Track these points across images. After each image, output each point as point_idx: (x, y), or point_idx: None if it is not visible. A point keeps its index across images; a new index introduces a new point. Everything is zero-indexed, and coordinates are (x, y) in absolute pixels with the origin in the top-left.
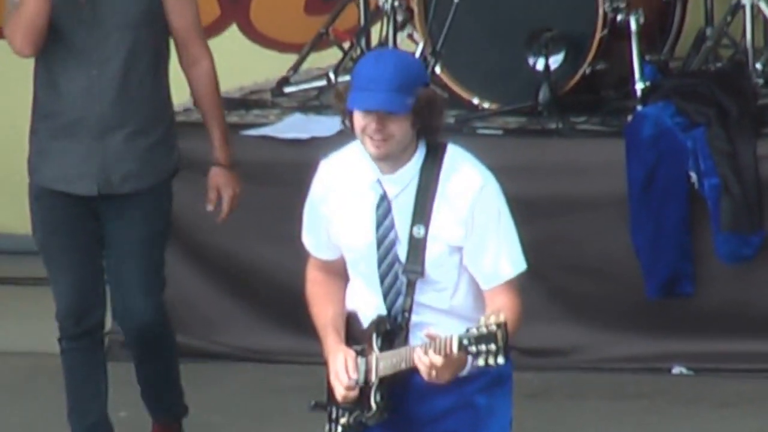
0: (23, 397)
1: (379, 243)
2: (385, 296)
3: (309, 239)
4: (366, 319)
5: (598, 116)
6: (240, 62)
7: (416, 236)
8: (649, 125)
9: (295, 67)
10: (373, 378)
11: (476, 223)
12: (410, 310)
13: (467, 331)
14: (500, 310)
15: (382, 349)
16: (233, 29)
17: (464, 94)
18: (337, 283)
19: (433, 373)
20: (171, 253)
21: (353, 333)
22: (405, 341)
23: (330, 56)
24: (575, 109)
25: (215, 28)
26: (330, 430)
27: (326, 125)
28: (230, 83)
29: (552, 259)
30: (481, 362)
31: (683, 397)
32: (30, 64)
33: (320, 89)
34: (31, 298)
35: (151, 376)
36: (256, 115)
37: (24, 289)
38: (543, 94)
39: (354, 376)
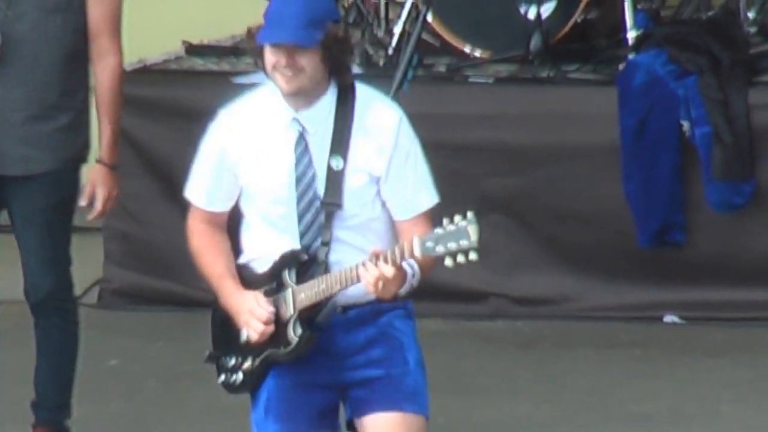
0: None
1: (299, 180)
2: (303, 234)
3: (201, 192)
4: (268, 263)
5: (589, 65)
6: (231, 11)
7: (335, 168)
8: (640, 74)
9: None
10: (291, 311)
11: (396, 154)
12: (329, 244)
13: (427, 234)
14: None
15: (297, 283)
16: None
17: (455, 43)
18: (223, 235)
19: (380, 285)
20: (161, 199)
21: (247, 283)
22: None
23: None
24: (567, 58)
25: None
26: (227, 379)
27: None
28: (222, 32)
29: (543, 208)
30: (449, 262)
31: (675, 346)
32: None
33: None
34: None
35: (52, 360)
36: (247, 63)
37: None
38: (534, 42)
39: (271, 308)
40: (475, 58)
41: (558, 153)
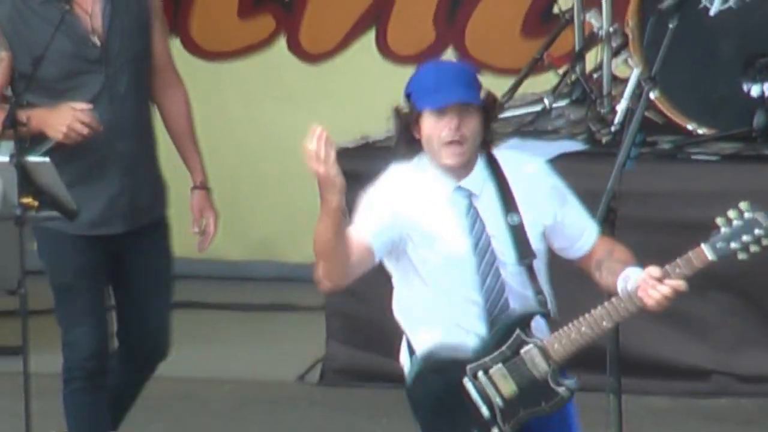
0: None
1: (475, 245)
2: (487, 299)
3: (364, 224)
4: (460, 332)
5: None
6: None
7: (512, 224)
8: None
9: (511, 92)
10: (545, 366)
11: (559, 193)
12: (542, 294)
13: (714, 237)
14: (615, 249)
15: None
16: (448, 54)
17: (680, 121)
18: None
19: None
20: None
21: (450, 362)
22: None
23: (544, 82)
24: None
25: (430, 53)
26: None
27: (543, 150)
28: None
29: (767, 284)
30: (743, 256)
31: None
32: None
33: (536, 114)
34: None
35: (134, 394)
36: None
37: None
38: (758, 119)
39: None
40: (699, 135)
41: None
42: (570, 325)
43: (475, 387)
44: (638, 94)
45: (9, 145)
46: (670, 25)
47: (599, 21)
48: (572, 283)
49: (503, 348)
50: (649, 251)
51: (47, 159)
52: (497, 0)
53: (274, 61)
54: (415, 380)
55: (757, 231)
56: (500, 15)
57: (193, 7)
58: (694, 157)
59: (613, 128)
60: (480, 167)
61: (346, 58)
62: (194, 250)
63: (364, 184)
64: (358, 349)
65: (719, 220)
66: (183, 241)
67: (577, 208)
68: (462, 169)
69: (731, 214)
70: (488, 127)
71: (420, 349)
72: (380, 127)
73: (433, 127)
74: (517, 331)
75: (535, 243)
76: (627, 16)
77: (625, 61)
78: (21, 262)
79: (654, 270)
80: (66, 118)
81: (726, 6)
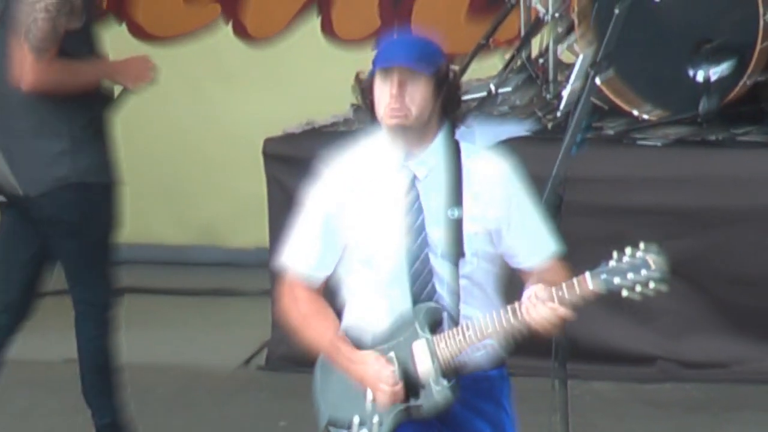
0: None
1: (409, 227)
2: (414, 287)
3: (306, 256)
4: (381, 320)
5: (759, 128)
6: None
7: (452, 218)
8: None
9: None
10: (429, 364)
11: (515, 202)
12: (458, 294)
13: (599, 267)
14: (555, 279)
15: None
16: None
17: (624, 106)
18: (324, 300)
19: (549, 326)
20: None
21: (358, 343)
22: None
23: (490, 67)
24: (736, 121)
25: (376, 37)
26: None
27: (487, 135)
28: None
29: (713, 271)
30: (626, 293)
31: None
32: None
33: (481, 99)
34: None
35: None
36: None
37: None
38: (704, 105)
39: (392, 368)
40: (644, 121)
41: (728, 216)
42: (461, 326)
43: None
44: (584, 79)
45: None
46: (616, 11)
47: (545, 5)
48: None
49: (400, 338)
50: (595, 237)
51: None
52: None
53: (219, 45)
54: (319, 361)
55: (644, 272)
56: None
57: None
58: (639, 142)
59: (558, 113)
60: (434, 150)
61: (291, 42)
62: (138, 235)
63: (310, 169)
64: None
65: (614, 253)
66: (127, 227)
67: (528, 227)
68: (410, 142)
69: (627, 249)
70: (445, 102)
71: (344, 323)
72: (326, 111)
73: (379, 88)
74: (416, 323)
75: (471, 242)
76: (572, 1)
77: (571, 47)
78: None
79: (539, 289)
80: (139, 68)
81: None
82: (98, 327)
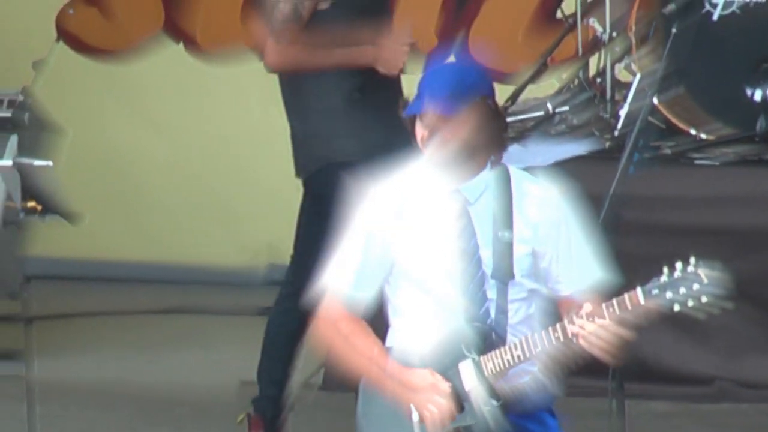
0: None
1: (462, 250)
2: (467, 305)
3: (351, 276)
4: (421, 345)
5: None
6: None
7: (502, 240)
8: None
9: (513, 98)
10: (477, 383)
11: (564, 228)
12: (506, 314)
13: (650, 283)
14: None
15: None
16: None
17: (681, 125)
18: (364, 321)
19: (597, 341)
20: None
21: (405, 363)
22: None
23: (547, 86)
24: None
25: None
26: None
27: (544, 155)
28: None
29: None
30: (678, 308)
31: None
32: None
33: (538, 119)
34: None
35: None
36: None
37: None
38: (761, 124)
39: (448, 383)
40: (701, 140)
41: None
42: (508, 345)
43: None
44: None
45: (12, 149)
46: (674, 30)
47: (602, 25)
48: None
49: (448, 359)
50: (652, 256)
51: (50, 162)
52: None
53: None
54: (362, 384)
55: (695, 286)
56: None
57: None
58: (697, 161)
59: (616, 132)
60: (484, 176)
61: None
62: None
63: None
64: None
65: (665, 269)
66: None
67: (575, 254)
68: (461, 173)
69: (678, 264)
70: (492, 129)
71: (389, 344)
72: None
73: (417, 129)
74: (463, 344)
75: (521, 264)
76: (630, 20)
77: (628, 66)
78: (21, 267)
79: (589, 306)
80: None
81: (729, 11)
82: None
